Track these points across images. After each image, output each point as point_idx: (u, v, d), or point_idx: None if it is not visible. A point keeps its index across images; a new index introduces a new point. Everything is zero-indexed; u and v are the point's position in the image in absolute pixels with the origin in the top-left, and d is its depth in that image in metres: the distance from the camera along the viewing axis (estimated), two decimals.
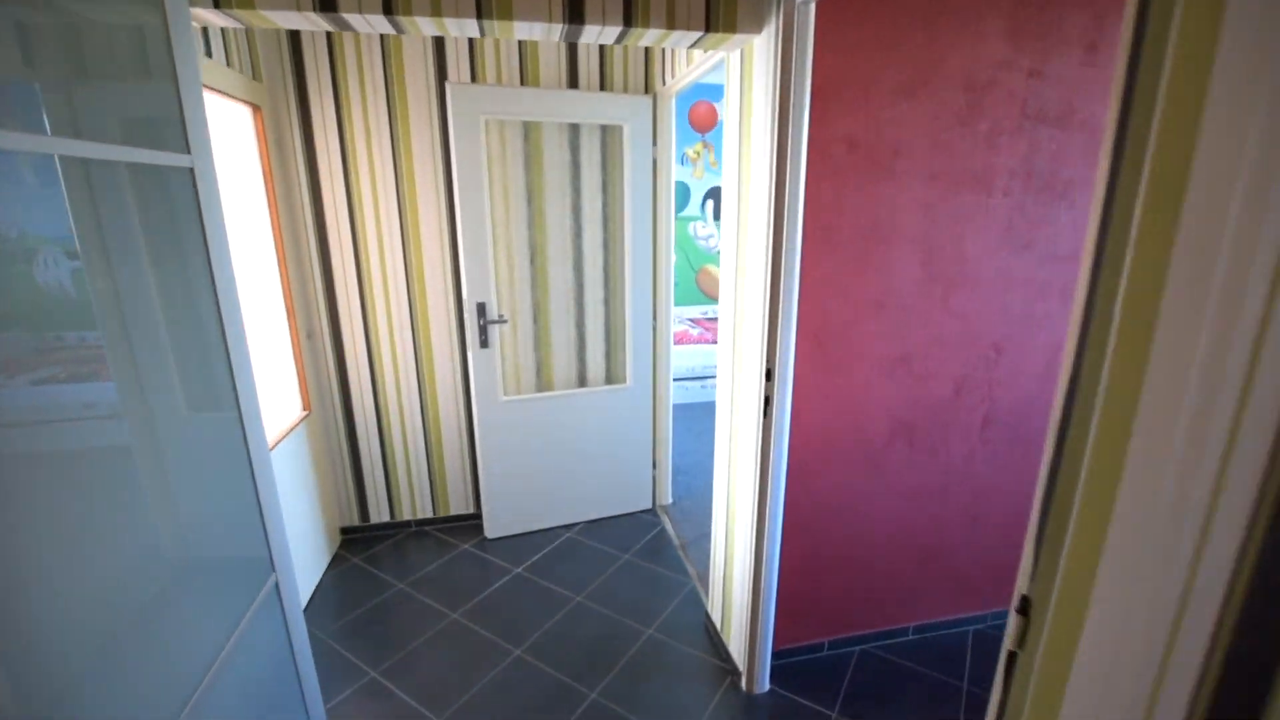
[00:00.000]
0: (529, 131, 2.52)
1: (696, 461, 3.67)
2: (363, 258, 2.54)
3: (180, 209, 0.97)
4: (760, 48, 1.57)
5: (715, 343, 4.89)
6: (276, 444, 2.20)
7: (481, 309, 2.52)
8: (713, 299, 5.59)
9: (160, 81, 0.93)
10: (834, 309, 1.76)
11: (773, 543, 1.80)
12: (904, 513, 2.06)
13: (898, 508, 2.05)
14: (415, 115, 2.45)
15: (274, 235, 2.32)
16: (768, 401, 1.65)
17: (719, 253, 5.47)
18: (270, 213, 2.31)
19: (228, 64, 2.03)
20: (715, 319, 5.54)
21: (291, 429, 2.35)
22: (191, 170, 0.95)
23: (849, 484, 1.97)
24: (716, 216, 5.37)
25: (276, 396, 2.33)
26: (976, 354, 1.94)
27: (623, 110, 2.53)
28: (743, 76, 1.69)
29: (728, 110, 1.82)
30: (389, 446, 2.79)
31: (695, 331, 5.07)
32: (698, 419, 4.39)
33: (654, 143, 2.63)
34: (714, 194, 5.31)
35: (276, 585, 1.14)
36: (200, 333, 1.06)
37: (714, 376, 4.74)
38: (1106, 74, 1.79)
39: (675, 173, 3.38)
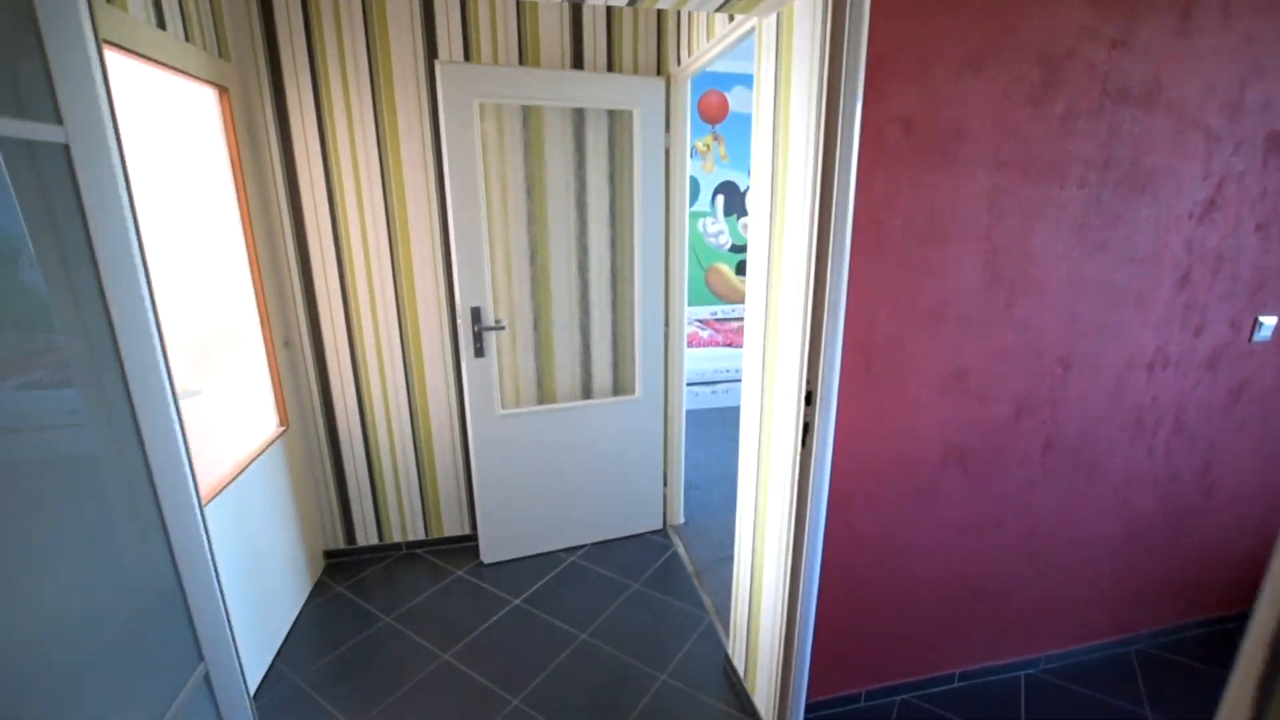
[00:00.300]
0: (529, 117, 2.27)
1: (709, 475, 3.43)
2: (345, 258, 2.30)
3: (54, 195, 0.73)
4: (803, 11, 1.32)
5: (726, 345, 4.65)
6: (247, 465, 1.97)
7: (476, 314, 2.27)
8: (723, 299, 5.34)
9: (16, 32, 0.69)
10: (882, 319, 1.51)
11: (810, 587, 1.56)
12: (952, 547, 1.82)
13: (946, 541, 1.81)
14: (402, 98, 2.20)
15: (245, 233, 2.08)
16: (807, 429, 1.41)
17: (729, 250, 5.23)
18: (240, 208, 2.06)
19: (186, 38, 1.78)
20: (725, 320, 5.29)
21: (266, 446, 2.12)
22: (66, 147, 0.71)
23: (893, 516, 1.72)
24: (728, 213, 5.12)
25: (248, 411, 2.09)
26: (1041, 370, 1.70)
27: (632, 93, 2.28)
28: (779, 48, 1.44)
29: (759, 89, 1.57)
30: (376, 463, 2.55)
31: (705, 333, 4.82)
32: (708, 426, 4.14)
33: (667, 130, 2.38)
34: (725, 189, 5.06)
35: (207, 677, 0.91)
36: (82, 354, 0.82)
37: (725, 381, 4.50)
38: (1201, 45, 1.53)
39: (690, 164, 3.13)
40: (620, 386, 2.65)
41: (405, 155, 2.25)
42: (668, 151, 2.41)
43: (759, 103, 1.57)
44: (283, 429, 2.27)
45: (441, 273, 2.39)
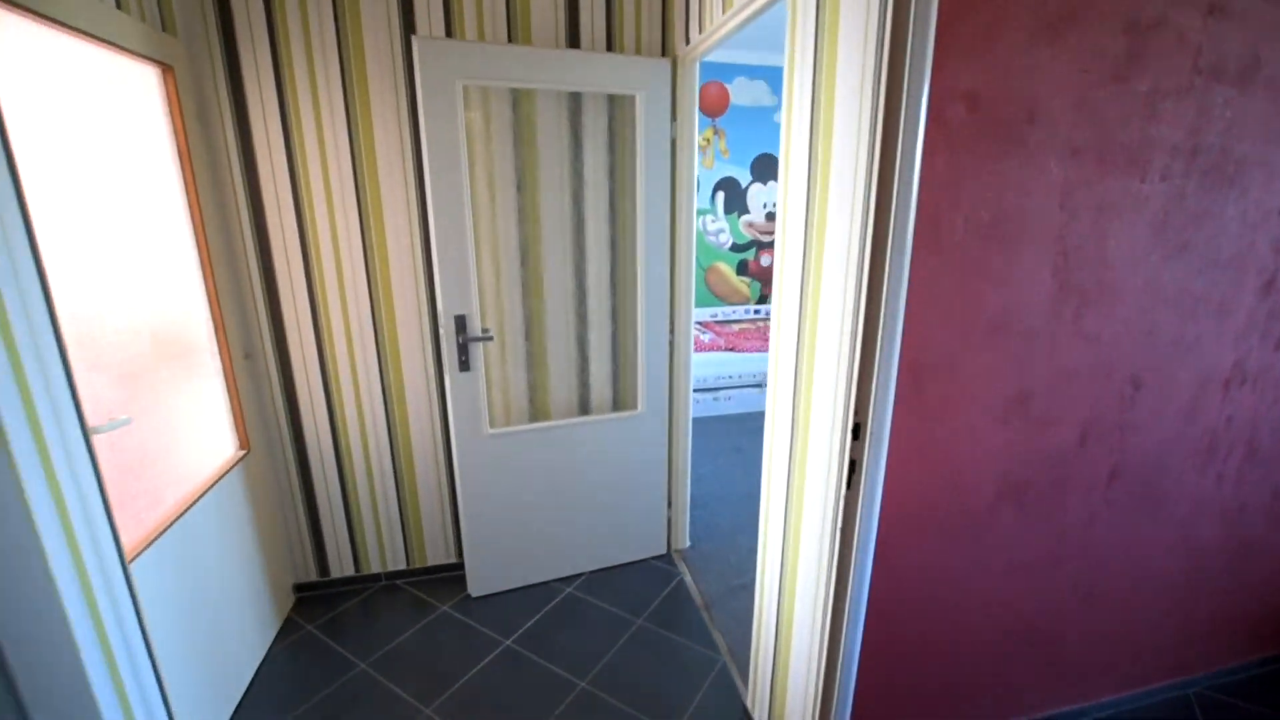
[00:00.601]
0: (519, 102, 2.03)
1: (714, 492, 3.20)
2: (313, 259, 2.05)
3: None
4: None
5: (728, 349, 4.42)
6: (197, 498, 1.72)
7: (461, 323, 2.03)
8: (723, 300, 5.11)
9: None
10: (938, 334, 1.29)
11: (852, 646, 1.33)
12: (1002, 590, 1.60)
13: (995, 584, 1.59)
14: (376, 79, 1.95)
15: (196, 231, 1.83)
16: (853, 467, 1.18)
17: (730, 250, 5.00)
18: (190, 204, 1.81)
19: (119, 5, 1.53)
20: (727, 323, 5.06)
21: (222, 473, 1.86)
22: None
23: (939, 557, 1.50)
24: (728, 210, 4.89)
25: (199, 434, 1.84)
26: (1110, 390, 1.48)
27: (635, 76, 2.04)
28: (820, 14, 1.21)
29: (792, 65, 1.34)
30: (351, 488, 2.30)
31: (705, 337, 4.59)
32: (710, 436, 3.92)
33: (673, 118, 2.15)
34: (725, 185, 4.83)
35: None
36: None
37: (727, 388, 4.27)
38: None
39: (698, 155, 2.87)
40: (621, 401, 2.42)
41: (380, 144, 2.00)
42: (674, 142, 2.18)
43: (791, 81, 1.34)
44: (243, 452, 2.02)
45: (422, 276, 2.15)
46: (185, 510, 1.67)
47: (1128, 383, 1.49)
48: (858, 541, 1.22)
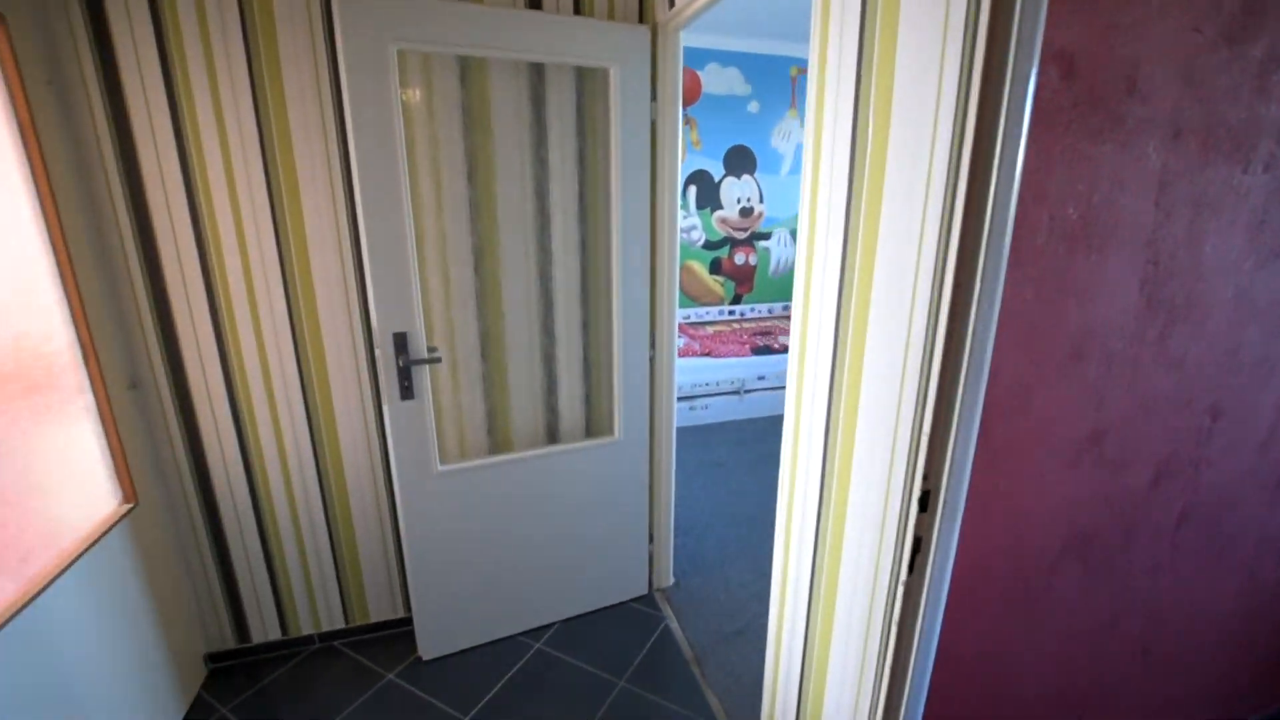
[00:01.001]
0: (469, 73, 1.68)
1: (697, 515, 2.91)
2: (215, 267, 1.66)
3: None
4: None
5: (704, 354, 4.14)
6: (55, 577, 1.33)
7: (401, 343, 1.68)
8: (696, 301, 4.83)
9: None
10: (1011, 364, 1.02)
11: None
12: (1059, 657, 1.36)
13: (1051, 651, 1.34)
14: (289, 43, 1.57)
15: (50, 229, 1.42)
16: (918, 546, 0.89)
17: (703, 247, 4.72)
18: (41, 194, 1.40)
19: None
20: (700, 325, 4.78)
21: (96, 538, 1.47)
22: None
23: (997, 630, 1.24)
24: (701, 205, 4.60)
25: (56, 490, 1.44)
26: (1188, 422, 1.24)
27: (608, 45, 1.71)
28: None
29: (825, 28, 1.04)
30: (274, 538, 1.92)
31: (680, 341, 4.30)
32: (689, 450, 3.63)
33: (653, 96, 1.83)
34: (698, 179, 4.54)
35: None
36: None
37: (704, 395, 3.99)
38: None
39: (682, 140, 2.54)
40: (595, 427, 2.10)
41: (296, 121, 1.63)
42: (654, 125, 1.86)
43: (825, 48, 1.04)
44: (128, 507, 1.62)
45: (354, 286, 1.78)
46: (35, 595, 1.28)
47: (1206, 413, 1.25)
48: (919, 637, 0.93)
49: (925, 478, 0.86)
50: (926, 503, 0.87)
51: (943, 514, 0.86)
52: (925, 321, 0.84)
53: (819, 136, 1.05)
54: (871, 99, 0.92)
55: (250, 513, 1.87)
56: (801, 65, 4.53)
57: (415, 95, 1.64)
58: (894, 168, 0.88)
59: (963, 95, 0.76)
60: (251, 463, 1.83)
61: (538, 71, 1.74)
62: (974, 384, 0.81)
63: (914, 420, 0.87)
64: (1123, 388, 1.14)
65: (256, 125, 1.60)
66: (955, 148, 0.77)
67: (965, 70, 0.75)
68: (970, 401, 0.82)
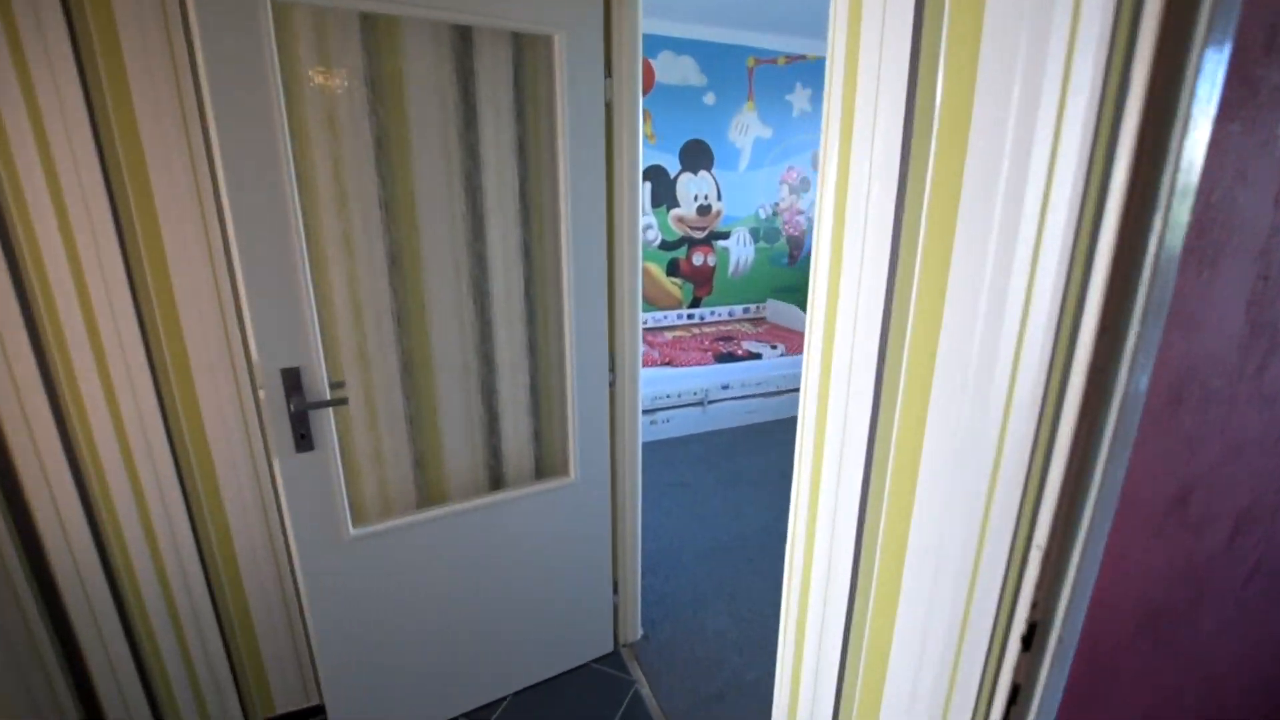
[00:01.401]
0: (375, 38, 1.33)
1: (663, 546, 2.63)
2: (35, 291, 1.26)
3: None
4: None
5: (665, 364, 3.85)
6: None
7: (294, 381, 1.31)
8: (653, 305, 4.55)
9: None
10: None
11: None
12: None
13: None
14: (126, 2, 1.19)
15: None
16: (1015, 695, 0.62)
17: (659, 248, 4.44)
18: None
19: None
20: (657, 330, 4.50)
21: None
22: None
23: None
24: (656, 204, 4.32)
25: None
26: (1272, 467, 1.02)
27: (552, 5, 1.39)
28: None
29: None
30: (141, 627, 1.52)
31: None
32: (649, 469, 3.34)
33: (608, 72, 1.53)
34: (653, 174, 4.25)
35: None
36: None
37: (665, 409, 3.71)
38: None
39: (642, 125, 2.25)
40: (546, 467, 1.77)
41: (140, 96, 1.24)
42: (609, 106, 1.56)
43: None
44: None
45: (231, 311, 1.40)
46: None
47: None
48: None
49: (1035, 605, 0.58)
50: (1031, 639, 0.60)
51: (1054, 653, 0.59)
52: (1039, 369, 0.57)
53: (849, 120, 0.76)
54: (938, 93, 0.64)
55: (106, 597, 1.47)
56: (759, 55, 4.30)
57: (301, 57, 1.28)
58: (975, 160, 0.61)
59: (1117, 73, 0.48)
60: (103, 537, 1.43)
61: (464, 37, 1.40)
62: (1113, 470, 0.54)
63: (1014, 528, 0.59)
64: (1215, 434, 0.90)
65: (84, 97, 1.20)
66: (1127, 140, 0.49)
67: (1124, 29, 0.47)
68: (1106, 498, 0.55)
